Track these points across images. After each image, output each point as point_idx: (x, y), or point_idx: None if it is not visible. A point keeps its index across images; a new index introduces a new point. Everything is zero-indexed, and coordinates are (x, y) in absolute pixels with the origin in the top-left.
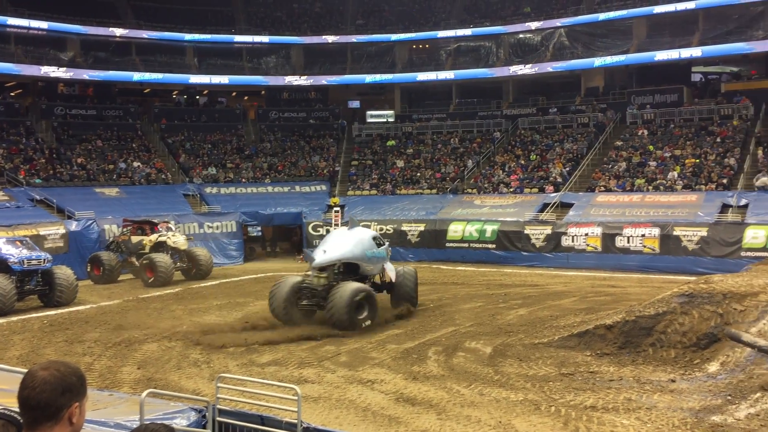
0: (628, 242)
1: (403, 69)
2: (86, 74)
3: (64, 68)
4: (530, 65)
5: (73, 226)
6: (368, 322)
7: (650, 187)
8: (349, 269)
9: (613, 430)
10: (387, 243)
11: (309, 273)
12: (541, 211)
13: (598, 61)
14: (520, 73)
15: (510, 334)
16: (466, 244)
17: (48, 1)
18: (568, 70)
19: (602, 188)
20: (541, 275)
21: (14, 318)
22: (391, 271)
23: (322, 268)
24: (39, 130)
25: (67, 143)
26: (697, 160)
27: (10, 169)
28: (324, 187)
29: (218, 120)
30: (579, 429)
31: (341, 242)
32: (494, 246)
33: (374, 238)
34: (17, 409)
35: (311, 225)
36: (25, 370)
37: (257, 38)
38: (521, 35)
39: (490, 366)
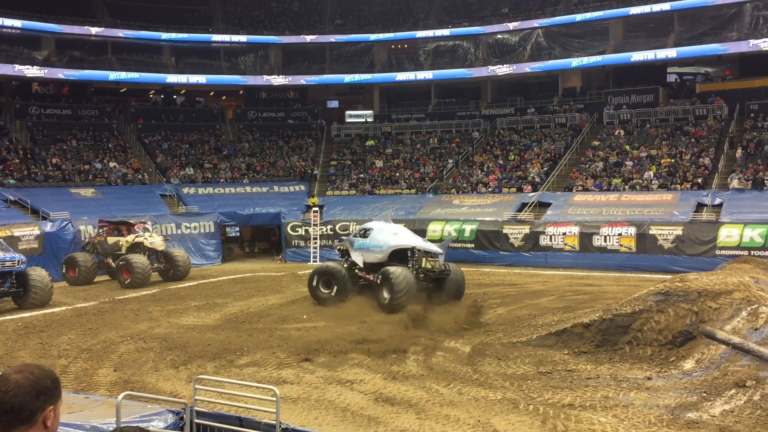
0: (605, 241)
1: (382, 69)
2: (61, 73)
3: (39, 67)
4: (508, 65)
5: (48, 227)
6: None
7: (627, 187)
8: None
9: (590, 428)
10: None
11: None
12: (520, 210)
13: (575, 62)
14: (498, 73)
15: (489, 333)
16: None
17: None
18: (546, 71)
19: (580, 188)
20: (519, 274)
21: None
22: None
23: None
24: (13, 130)
25: (41, 143)
26: (673, 160)
27: None
28: (303, 188)
29: (196, 120)
30: (557, 427)
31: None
32: (473, 245)
33: None
34: None
35: (290, 225)
36: None
37: (235, 38)
38: (499, 35)
39: (469, 365)
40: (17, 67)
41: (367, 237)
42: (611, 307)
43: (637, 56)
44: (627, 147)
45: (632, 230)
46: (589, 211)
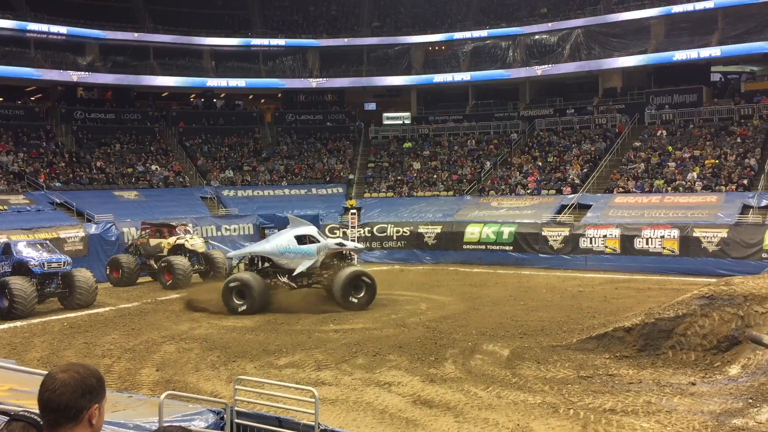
0: (647, 244)
1: (420, 71)
2: (105, 78)
3: (84, 72)
4: (547, 66)
5: (93, 229)
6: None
7: (669, 188)
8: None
9: None
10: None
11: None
12: (559, 212)
13: (615, 62)
14: (536, 74)
15: (528, 337)
16: (483, 246)
17: (67, 7)
18: (586, 71)
19: (620, 189)
20: (558, 277)
21: (35, 320)
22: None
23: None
24: (59, 134)
25: (86, 147)
26: (717, 161)
27: (30, 173)
28: (341, 190)
29: (235, 123)
30: None
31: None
32: (511, 248)
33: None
34: (38, 411)
35: (328, 227)
36: (45, 372)
37: (273, 41)
38: (538, 36)
39: (507, 368)
40: (63, 72)
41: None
42: (654, 311)
43: (680, 55)
44: (669, 148)
45: (675, 232)
46: (631, 213)
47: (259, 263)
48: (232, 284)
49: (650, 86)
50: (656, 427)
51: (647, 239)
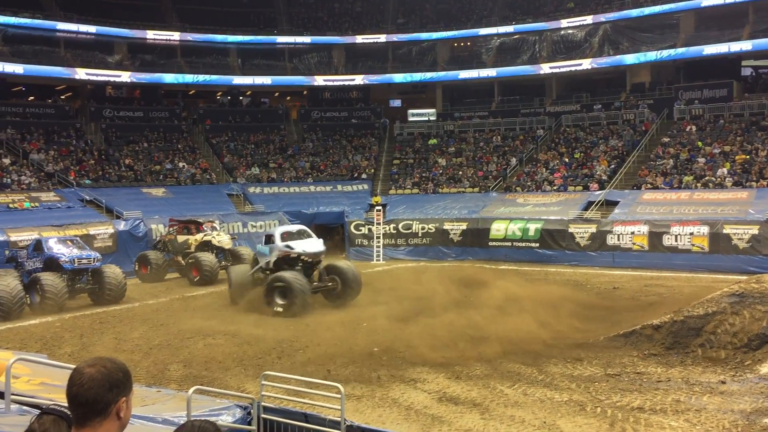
0: (676, 241)
1: (445, 67)
2: (133, 77)
3: (112, 71)
4: (574, 61)
5: (122, 225)
6: None
7: (699, 184)
8: None
9: None
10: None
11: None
12: (586, 209)
13: (643, 57)
14: (563, 69)
15: (554, 334)
16: (509, 243)
17: (96, 6)
18: (613, 66)
19: (649, 186)
20: (585, 274)
21: (66, 315)
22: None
23: None
24: (88, 132)
25: (115, 144)
26: (748, 156)
27: (60, 170)
28: (366, 186)
29: (261, 120)
30: (626, 430)
31: None
32: (537, 245)
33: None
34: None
35: (353, 224)
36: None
37: (299, 39)
38: (564, 31)
39: (534, 366)
40: (92, 71)
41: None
42: (683, 309)
43: (710, 50)
44: (699, 143)
45: (705, 229)
46: (659, 210)
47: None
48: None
49: (679, 81)
50: (685, 426)
51: (676, 236)
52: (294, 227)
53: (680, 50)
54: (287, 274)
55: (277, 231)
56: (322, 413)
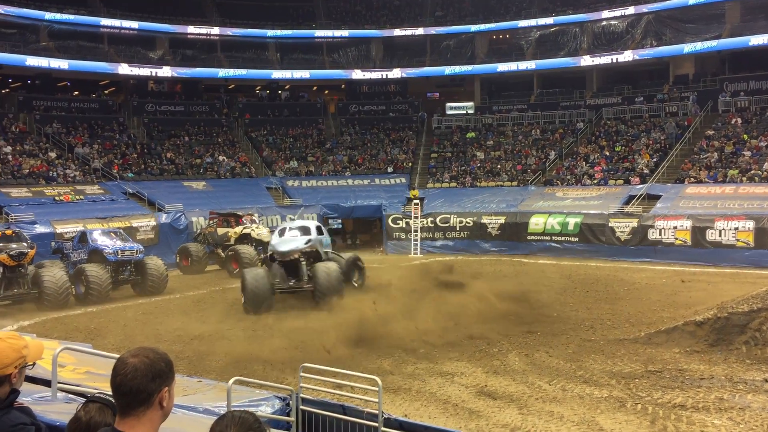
0: (720, 236)
1: (483, 60)
2: (174, 71)
3: (154, 66)
4: (615, 53)
5: (163, 218)
6: None
7: (744, 178)
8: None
9: (703, 430)
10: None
11: None
12: (627, 203)
13: (687, 48)
14: (604, 61)
15: (594, 330)
16: (547, 237)
17: (138, 2)
18: (656, 58)
19: (692, 179)
20: (626, 269)
21: (109, 306)
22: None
23: None
24: (131, 126)
25: (157, 138)
26: None
27: (104, 164)
28: (404, 180)
29: (300, 114)
30: (667, 428)
31: None
32: (577, 239)
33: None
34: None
35: (391, 217)
36: (119, 356)
37: (337, 32)
38: (605, 22)
39: (572, 361)
40: (134, 66)
41: None
42: (727, 305)
43: (756, 40)
44: (745, 136)
45: (750, 224)
46: (703, 204)
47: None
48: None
49: (724, 72)
50: (728, 425)
51: (720, 231)
52: (297, 223)
53: (725, 40)
54: (247, 272)
55: (280, 227)
56: (359, 405)
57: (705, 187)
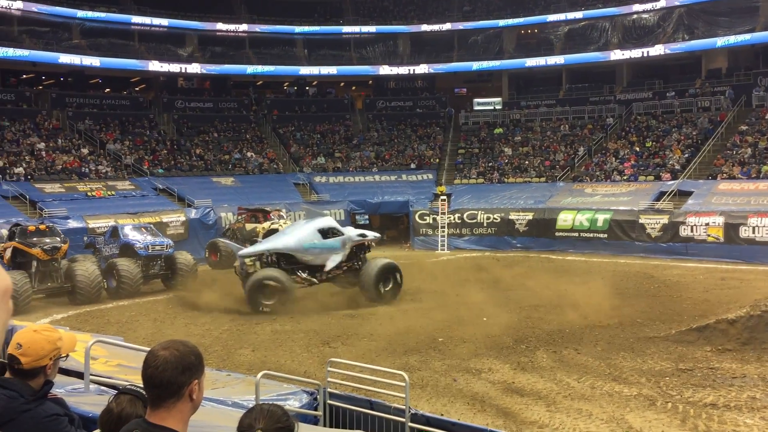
0: (754, 233)
1: (511, 55)
2: (203, 68)
3: (184, 63)
4: (646, 47)
5: (193, 213)
6: None
7: None
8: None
9: (735, 430)
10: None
11: None
12: (658, 199)
13: (720, 41)
14: (634, 56)
15: (623, 327)
16: (576, 234)
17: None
18: (688, 52)
19: (725, 175)
20: (656, 266)
21: (140, 300)
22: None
23: None
24: (161, 123)
25: (186, 135)
26: None
27: (135, 159)
28: (431, 176)
29: (327, 110)
30: (698, 427)
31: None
32: (606, 236)
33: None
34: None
35: (418, 213)
36: (149, 349)
37: (364, 28)
38: (636, 16)
39: (601, 359)
40: (164, 63)
41: None
42: (760, 303)
43: None
44: None
45: None
46: (736, 201)
47: (277, 261)
48: (264, 281)
49: (758, 66)
50: (761, 424)
51: (754, 228)
52: (300, 221)
53: (759, 34)
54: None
55: (333, 222)
56: (386, 401)
57: (738, 183)
